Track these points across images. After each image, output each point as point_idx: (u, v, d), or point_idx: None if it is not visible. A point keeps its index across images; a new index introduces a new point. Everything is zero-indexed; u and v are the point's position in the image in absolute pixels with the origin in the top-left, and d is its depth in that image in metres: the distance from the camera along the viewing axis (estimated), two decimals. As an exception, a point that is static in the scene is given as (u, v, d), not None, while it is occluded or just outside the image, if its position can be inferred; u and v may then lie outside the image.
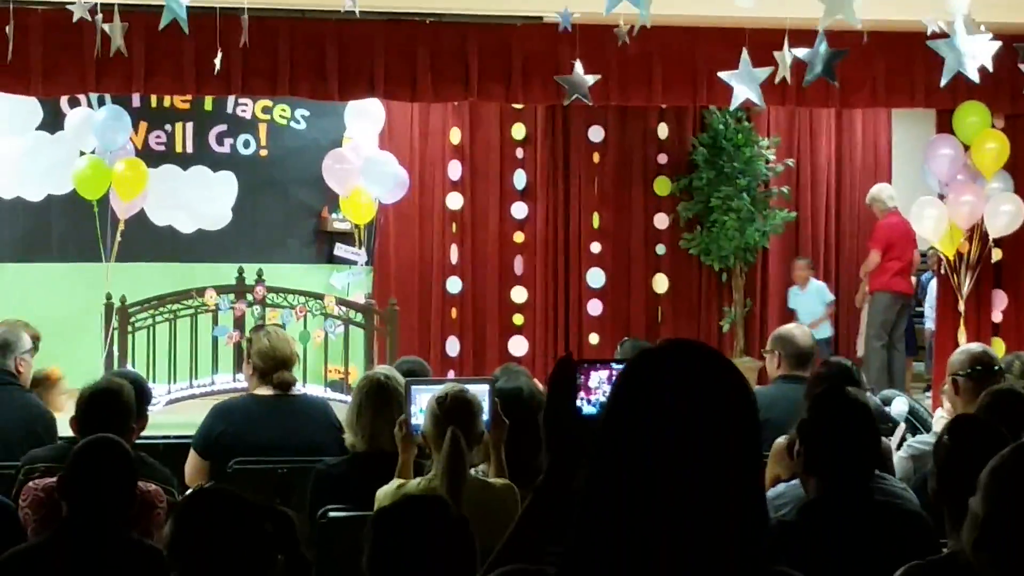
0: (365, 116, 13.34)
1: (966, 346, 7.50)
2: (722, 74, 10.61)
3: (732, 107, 11.35)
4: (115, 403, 5.62)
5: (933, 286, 14.17)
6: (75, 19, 9.18)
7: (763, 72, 10.30)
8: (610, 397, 2.06)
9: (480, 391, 5.39)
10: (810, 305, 14.25)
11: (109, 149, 12.41)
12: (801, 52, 10.09)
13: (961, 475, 3.52)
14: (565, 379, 2.53)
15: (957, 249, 12.28)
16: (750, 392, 2.05)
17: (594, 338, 14.72)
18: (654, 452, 1.96)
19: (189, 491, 4.33)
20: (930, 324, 14.44)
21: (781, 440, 5.60)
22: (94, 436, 4.66)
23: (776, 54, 10.12)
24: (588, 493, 2.03)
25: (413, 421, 5.43)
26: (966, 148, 12.18)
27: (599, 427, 2.05)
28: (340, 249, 14.27)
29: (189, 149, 14.23)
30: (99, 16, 9.33)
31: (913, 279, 14.12)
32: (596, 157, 14.87)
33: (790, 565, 2.90)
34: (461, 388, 5.31)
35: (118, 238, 12.59)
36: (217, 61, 10.00)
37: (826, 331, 14.06)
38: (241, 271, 12.32)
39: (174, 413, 11.17)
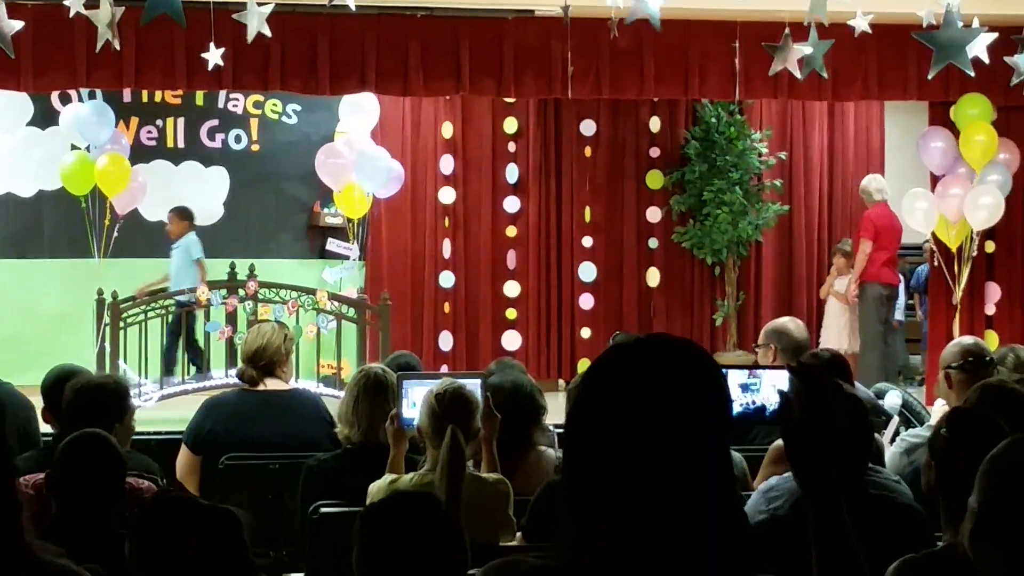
0: (359, 110, 13.32)
1: (958, 339, 7.48)
2: None
3: None
4: (102, 402, 5.56)
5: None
6: (71, 14, 9.15)
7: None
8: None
9: (472, 385, 5.38)
10: (180, 262, 12.91)
11: (94, 144, 12.39)
12: (797, 45, 10.09)
13: (959, 468, 3.49)
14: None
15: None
16: (721, 385, 2.03)
17: (586, 332, 14.71)
18: (621, 446, 1.94)
19: (141, 503, 4.31)
20: (900, 316, 14.43)
21: (780, 442, 5.47)
22: (80, 432, 4.63)
23: (777, 47, 10.10)
24: (564, 486, 2.02)
25: (406, 415, 5.41)
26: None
27: (569, 420, 2.04)
28: (332, 244, 14.25)
29: (180, 144, 14.22)
30: (100, 12, 9.28)
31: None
32: (588, 151, 14.85)
33: (784, 559, 2.88)
34: (459, 385, 5.29)
35: (115, 234, 12.58)
36: (214, 57, 9.97)
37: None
38: (233, 266, 12.31)
39: (166, 409, 11.16)
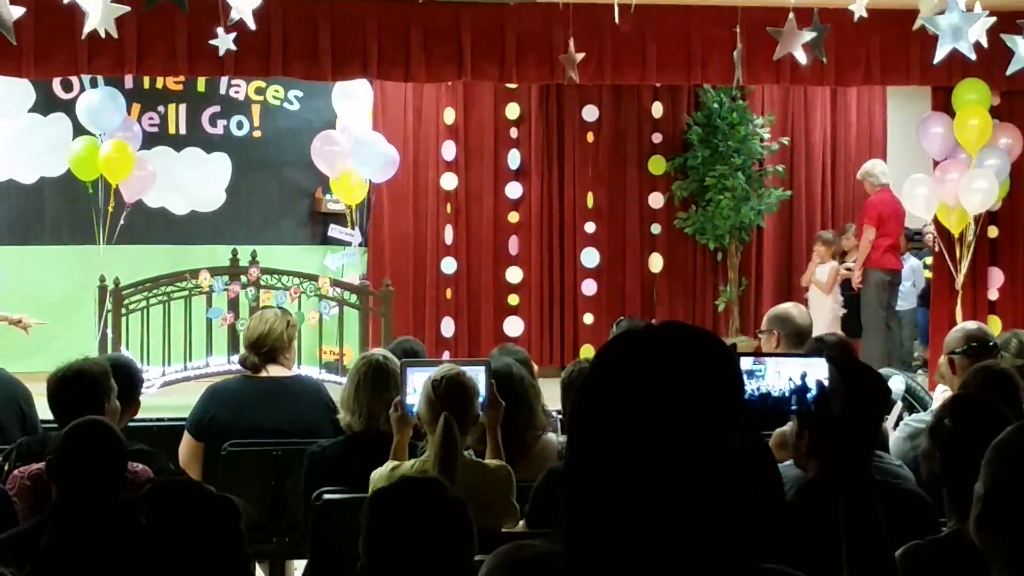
0: (352, 97, 13.29)
1: (961, 324, 7.48)
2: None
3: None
4: (86, 386, 5.53)
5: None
6: (66, 0, 9.13)
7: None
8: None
9: (476, 372, 5.37)
10: None
11: (106, 131, 12.38)
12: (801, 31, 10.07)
13: (963, 455, 3.49)
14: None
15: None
16: (737, 374, 1.99)
17: (589, 318, 14.71)
18: (633, 434, 1.91)
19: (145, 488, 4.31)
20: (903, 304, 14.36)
21: (784, 428, 5.46)
22: (83, 419, 4.63)
23: (783, 31, 10.07)
24: (570, 472, 1.99)
25: (408, 402, 5.40)
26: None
27: (577, 406, 2.00)
28: (334, 230, 14.22)
29: (182, 131, 14.18)
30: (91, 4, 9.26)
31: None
32: (590, 136, 14.84)
33: (789, 545, 2.86)
34: (458, 371, 5.28)
35: (121, 221, 12.57)
36: (224, 42, 9.96)
37: None
38: (235, 253, 12.28)
39: (169, 395, 11.16)
